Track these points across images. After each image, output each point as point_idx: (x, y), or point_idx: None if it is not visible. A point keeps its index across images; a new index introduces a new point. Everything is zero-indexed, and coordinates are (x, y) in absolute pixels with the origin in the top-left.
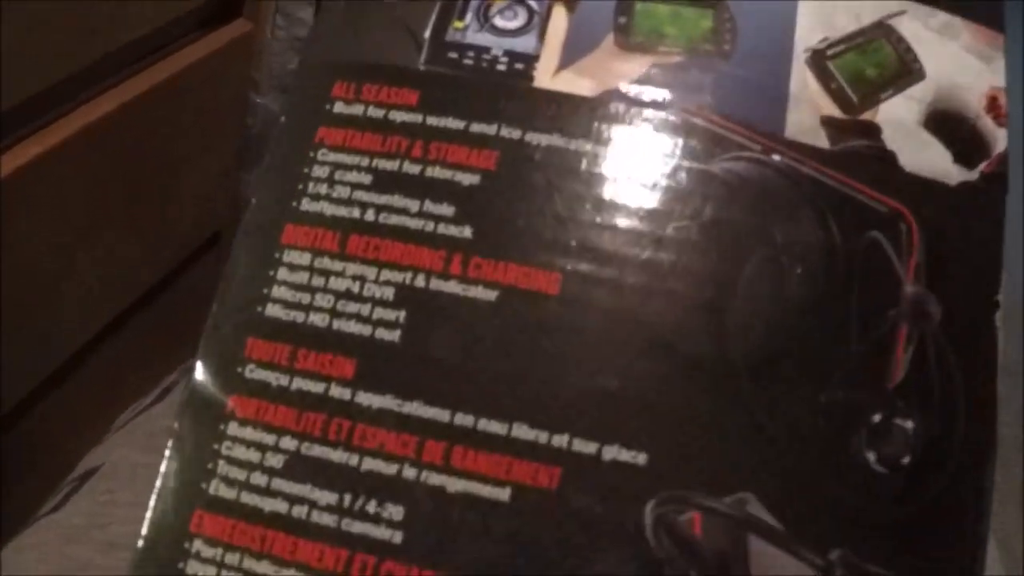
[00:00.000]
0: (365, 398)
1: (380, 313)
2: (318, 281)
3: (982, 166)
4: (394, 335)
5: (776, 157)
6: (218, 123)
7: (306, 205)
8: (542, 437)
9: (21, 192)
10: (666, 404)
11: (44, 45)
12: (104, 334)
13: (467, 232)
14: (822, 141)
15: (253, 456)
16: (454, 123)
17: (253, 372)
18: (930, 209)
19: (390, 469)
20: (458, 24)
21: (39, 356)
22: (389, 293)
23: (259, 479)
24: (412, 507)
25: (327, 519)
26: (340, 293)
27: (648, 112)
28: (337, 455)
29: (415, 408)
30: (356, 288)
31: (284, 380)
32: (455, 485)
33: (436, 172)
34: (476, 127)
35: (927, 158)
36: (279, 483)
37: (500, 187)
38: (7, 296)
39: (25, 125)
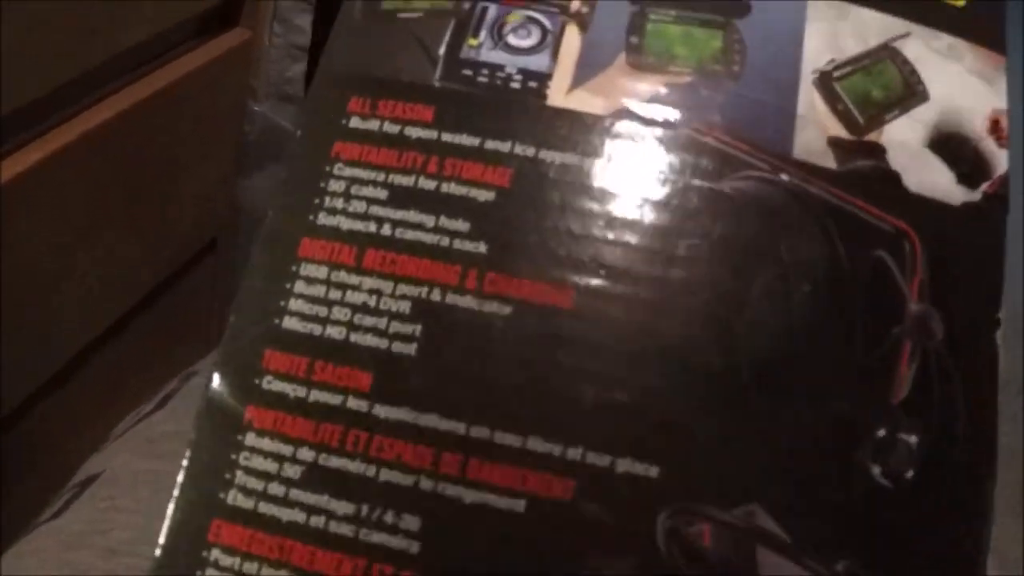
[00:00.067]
0: (382, 410)
1: (396, 327)
2: (335, 294)
3: (984, 186)
4: (410, 348)
5: (784, 176)
6: (216, 130)
7: (323, 219)
8: (556, 450)
9: (22, 197)
10: (678, 418)
11: (43, 51)
12: (104, 337)
13: (482, 248)
14: (829, 161)
15: (271, 466)
16: (469, 140)
17: (271, 384)
18: (934, 228)
19: (407, 480)
20: (472, 41)
21: (39, 358)
22: (405, 307)
23: (277, 489)
24: (429, 518)
25: (345, 529)
26: (357, 307)
27: (659, 131)
28: (354, 466)
29: (431, 420)
30: (373, 302)
31: (302, 392)
32: (471, 496)
33: (451, 188)
34: (491, 144)
35: (931, 178)
36: (297, 493)
37: (514, 204)
38: (7, 298)
39: (25, 131)
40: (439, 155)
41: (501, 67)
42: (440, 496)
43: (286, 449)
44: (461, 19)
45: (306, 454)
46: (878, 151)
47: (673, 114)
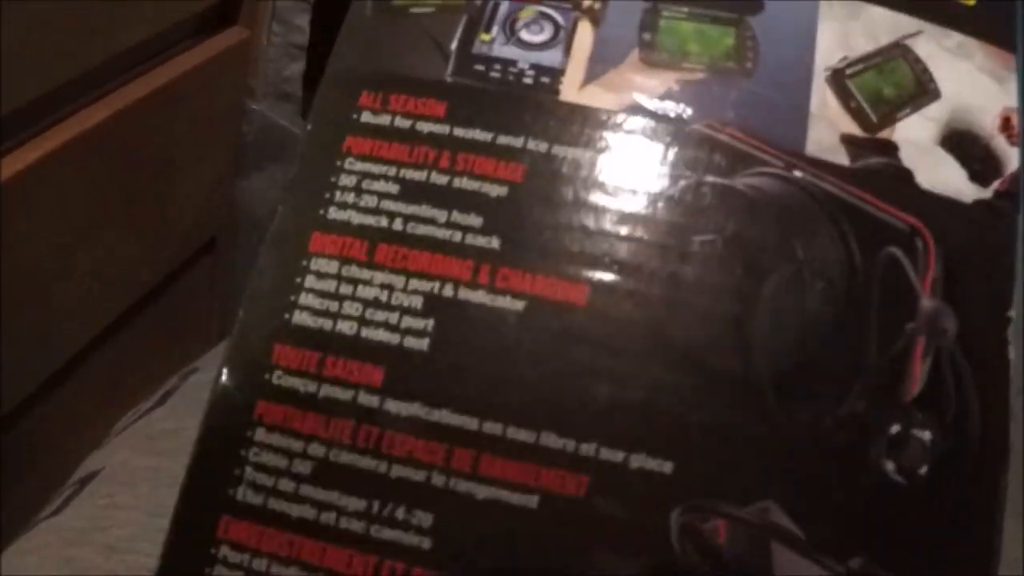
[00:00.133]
0: (393, 406)
1: (408, 322)
2: (346, 289)
3: (996, 184)
4: (422, 344)
5: (798, 173)
6: (214, 129)
7: (333, 214)
8: (569, 445)
9: (20, 196)
10: (692, 415)
11: (41, 51)
12: (103, 336)
13: (495, 243)
14: (842, 158)
15: (280, 462)
16: (481, 135)
17: (281, 379)
18: (946, 226)
19: (418, 476)
20: (484, 37)
21: (39, 357)
22: (417, 302)
23: (287, 485)
24: (441, 514)
25: (356, 525)
26: (368, 301)
27: (671, 127)
28: (365, 462)
29: (444, 416)
30: (384, 297)
31: (312, 387)
32: (484, 492)
33: (464, 183)
34: (503, 139)
35: (943, 176)
36: (307, 489)
37: (527, 199)
38: (7, 298)
39: (23, 130)
40: (451, 150)
41: (513, 62)
42: (452, 492)
43: (296, 445)
44: (473, 14)
45: (316, 450)
46: (891, 148)
47: (686, 111)
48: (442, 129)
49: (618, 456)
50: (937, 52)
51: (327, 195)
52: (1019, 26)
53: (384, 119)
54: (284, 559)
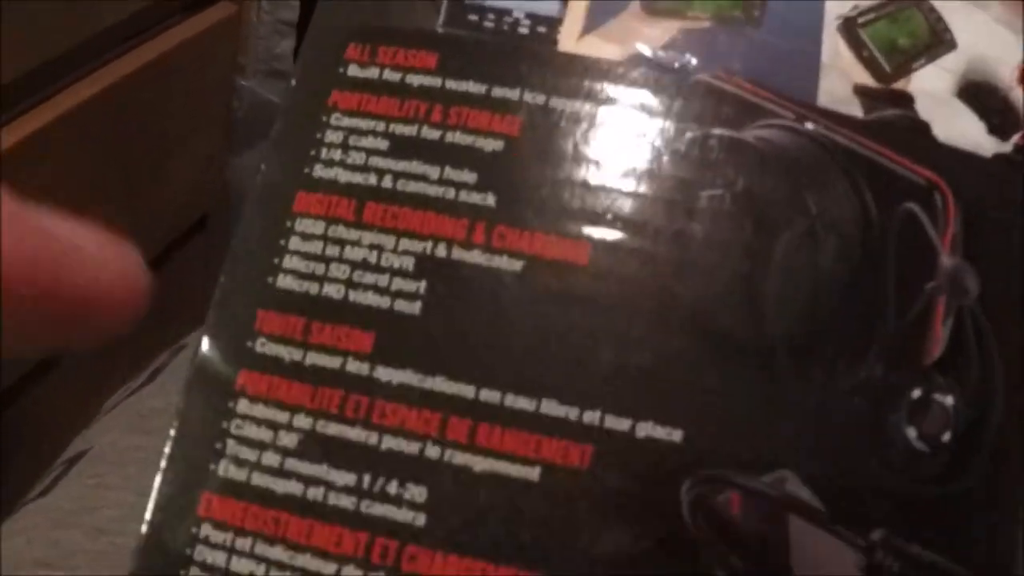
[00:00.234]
0: (384, 373)
1: (399, 284)
2: (332, 251)
3: (1015, 138)
4: (414, 307)
5: (809, 125)
6: (205, 104)
7: (319, 171)
8: (572, 413)
9: (13, 170)
10: (702, 381)
11: (29, 27)
12: None
13: (490, 200)
14: (855, 110)
15: (265, 435)
16: (475, 87)
17: (264, 346)
18: (965, 180)
19: (412, 448)
20: None
21: None
22: (409, 263)
23: (271, 459)
24: (436, 488)
25: (345, 501)
26: (356, 263)
27: (676, 78)
28: (355, 433)
29: (438, 383)
30: (373, 258)
31: (298, 355)
32: (481, 464)
33: (457, 138)
34: (498, 91)
35: (961, 129)
36: (293, 463)
37: (524, 153)
38: None
39: (11, 107)
40: (443, 103)
41: (508, 11)
42: (447, 465)
43: (281, 416)
44: None
45: (303, 421)
46: (906, 100)
47: (691, 61)
48: (433, 81)
49: (624, 424)
50: (952, 2)
51: (312, 152)
52: None
53: (372, 72)
54: (269, 537)
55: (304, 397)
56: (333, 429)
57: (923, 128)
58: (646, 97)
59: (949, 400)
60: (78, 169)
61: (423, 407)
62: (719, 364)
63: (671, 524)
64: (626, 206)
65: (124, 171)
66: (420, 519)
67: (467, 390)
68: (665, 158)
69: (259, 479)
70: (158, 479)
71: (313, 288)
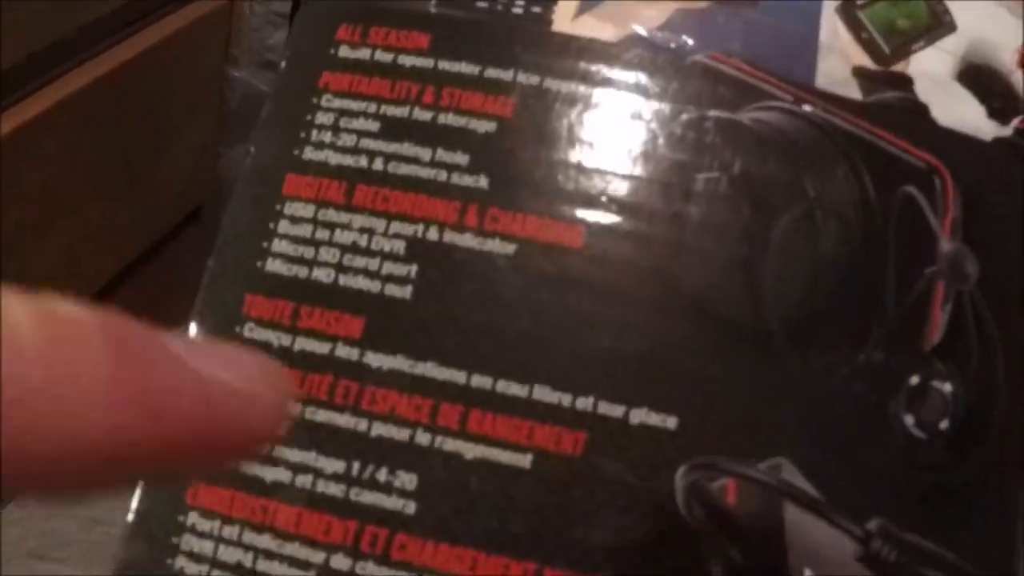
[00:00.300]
0: (374, 359)
1: (390, 268)
2: (322, 234)
3: (1015, 122)
4: (405, 291)
5: (807, 107)
6: (199, 94)
7: (309, 154)
8: (565, 399)
9: (7, 158)
10: (697, 366)
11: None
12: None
13: (483, 182)
14: (854, 92)
15: None
16: (468, 68)
17: (253, 331)
18: (965, 164)
19: (402, 435)
20: None
21: None
22: (399, 247)
23: None
24: (426, 475)
25: (334, 489)
26: (346, 247)
27: (673, 59)
28: (344, 420)
29: (428, 369)
30: (364, 242)
31: (286, 340)
32: (472, 451)
33: (449, 119)
34: (492, 72)
35: (960, 112)
36: (281, 451)
37: (518, 135)
38: None
39: (7, 95)
40: (435, 84)
41: None
42: (438, 451)
43: None
44: None
45: (291, 408)
46: (905, 82)
47: (688, 42)
48: (426, 63)
49: (618, 411)
50: None
51: (302, 134)
52: None
53: (363, 53)
54: (256, 526)
55: (293, 383)
56: (322, 415)
57: (922, 111)
58: (642, 78)
59: (947, 387)
60: (72, 158)
61: (414, 393)
62: (716, 349)
63: (665, 512)
64: (621, 189)
65: (120, 160)
66: (410, 507)
67: (459, 376)
68: (661, 140)
69: (247, 467)
70: None
71: (302, 272)
